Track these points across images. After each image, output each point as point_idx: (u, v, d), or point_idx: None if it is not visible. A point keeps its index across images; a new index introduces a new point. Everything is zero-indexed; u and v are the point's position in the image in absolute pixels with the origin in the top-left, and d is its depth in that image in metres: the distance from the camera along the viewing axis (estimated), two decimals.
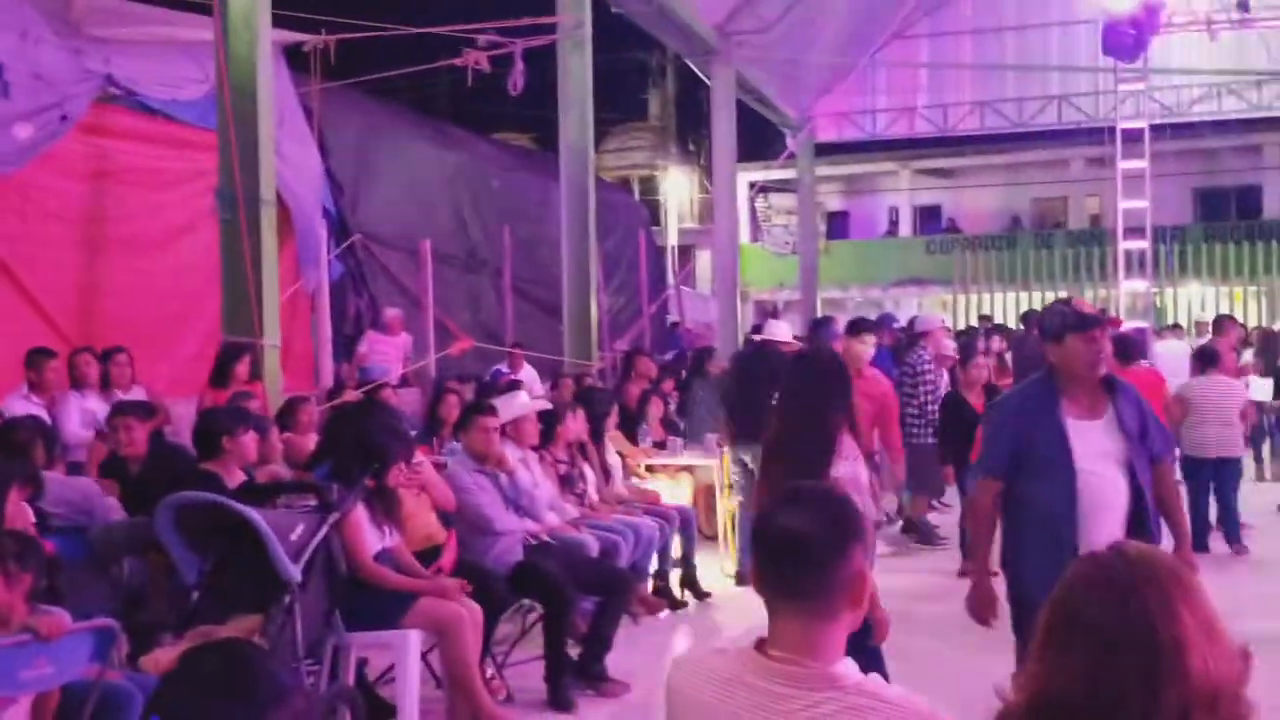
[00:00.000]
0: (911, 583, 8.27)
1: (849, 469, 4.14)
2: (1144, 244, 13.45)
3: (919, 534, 9.83)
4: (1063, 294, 27.25)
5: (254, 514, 4.41)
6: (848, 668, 2.03)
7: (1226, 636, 1.75)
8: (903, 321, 12.28)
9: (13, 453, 5.02)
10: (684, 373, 11.72)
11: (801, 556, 2.03)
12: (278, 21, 9.28)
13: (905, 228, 31.42)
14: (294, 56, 11.46)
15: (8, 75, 8.52)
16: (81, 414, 7.57)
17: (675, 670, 2.26)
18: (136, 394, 7.83)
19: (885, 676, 3.90)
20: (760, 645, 2.09)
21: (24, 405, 7.14)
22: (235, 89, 8.30)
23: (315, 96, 11.48)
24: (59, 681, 3.63)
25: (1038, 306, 26.04)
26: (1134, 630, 1.70)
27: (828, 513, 2.07)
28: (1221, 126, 24.85)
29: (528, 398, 7.41)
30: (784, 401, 4.46)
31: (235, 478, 5.38)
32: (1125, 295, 13.99)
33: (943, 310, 25.63)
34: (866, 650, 3.90)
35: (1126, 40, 11.56)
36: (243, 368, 7.91)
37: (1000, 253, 28.30)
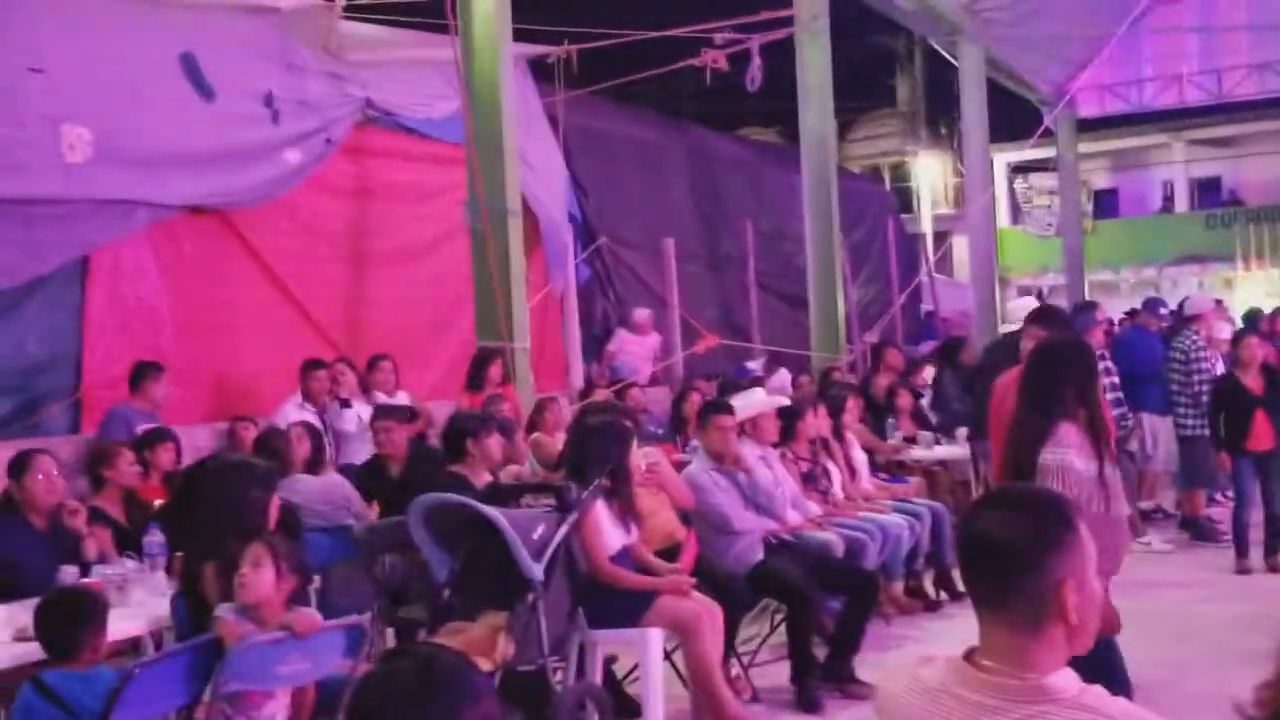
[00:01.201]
0: (1187, 581, 7.79)
1: (1057, 457, 3.99)
2: None
3: (1196, 530, 9.22)
4: None
5: (497, 514, 4.55)
6: (1066, 680, 1.90)
7: None
8: (1173, 304, 11.57)
9: (273, 458, 5.35)
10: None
11: (994, 563, 1.93)
12: (520, 36, 9.60)
13: (1181, 202, 29.57)
14: (538, 68, 11.82)
15: (278, 104, 9.12)
16: (350, 420, 8.00)
17: (887, 679, 2.20)
18: (401, 400, 8.23)
19: (1122, 684, 3.69)
20: (970, 654, 2.00)
21: (297, 413, 7.62)
22: (479, 105, 8.62)
23: (560, 105, 11.80)
24: (314, 676, 3.85)
25: None
26: None
27: (1027, 517, 1.94)
28: None
29: (765, 395, 7.37)
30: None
31: (482, 478, 5.58)
32: None
33: (1226, 289, 24.02)
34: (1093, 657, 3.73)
35: None
36: (495, 371, 8.19)
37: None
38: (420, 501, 4.75)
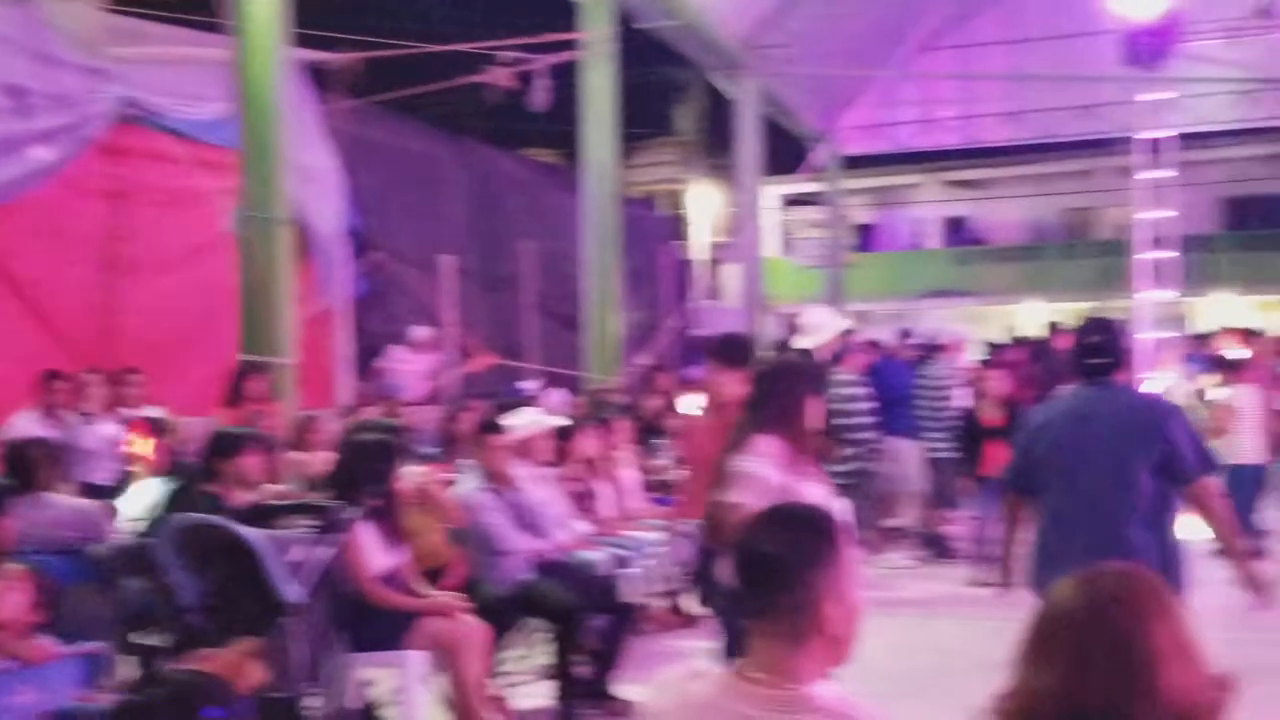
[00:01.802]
0: (928, 597, 8.22)
1: (747, 465, 4.17)
2: (1169, 254, 13.28)
3: (937, 548, 9.74)
4: (1088, 305, 27.14)
5: (249, 534, 4.39)
6: (823, 689, 1.99)
7: (1202, 661, 1.74)
8: (924, 335, 12.21)
9: (19, 474, 5.02)
10: None
11: (760, 577, 2.01)
12: (301, 41, 9.33)
13: (933, 239, 31.26)
14: (318, 75, 11.52)
15: (30, 98, 8.59)
16: (93, 435, 7.59)
17: (655, 694, 2.23)
18: (148, 414, 7.84)
19: None
20: (739, 667, 2.05)
21: (31, 427, 7.17)
22: (252, 108, 8.32)
23: (340, 115, 11.52)
24: (48, 707, 3.62)
25: (1062, 318, 25.88)
26: (1108, 645, 1.71)
27: (790, 533, 2.04)
28: (1248, 135, 24.60)
29: (538, 415, 7.38)
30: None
31: (237, 498, 5.37)
32: (1145, 306, 13.83)
33: (969, 322, 25.48)
34: None
35: (1147, 50, 11.45)
36: (257, 386, 7.90)
37: (1026, 264, 28.16)
38: (169, 521, 4.54)
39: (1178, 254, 13.37)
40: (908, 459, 10.02)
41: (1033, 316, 26.98)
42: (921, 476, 9.90)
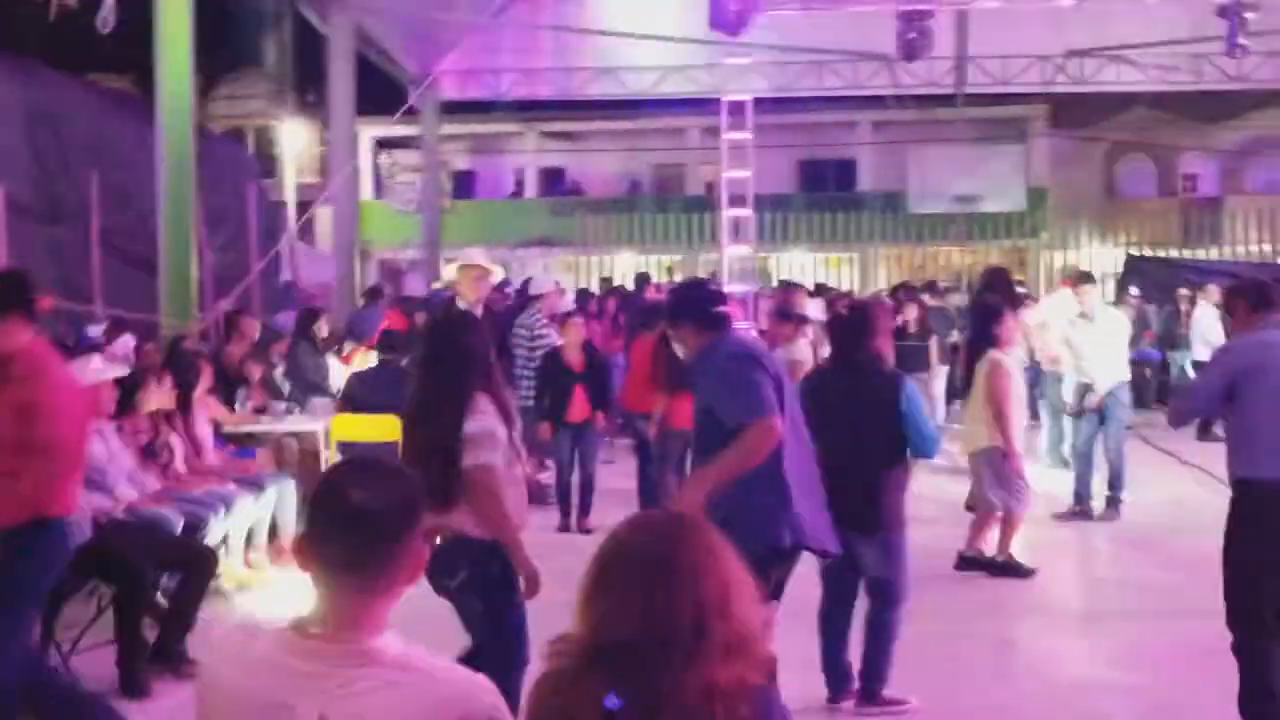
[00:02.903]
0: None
1: (480, 425, 4.11)
2: (747, 212, 14.17)
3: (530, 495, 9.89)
4: (678, 257, 28.48)
5: None
6: (389, 641, 1.96)
7: (755, 593, 1.92)
8: (519, 284, 12.35)
9: None
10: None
11: (371, 531, 1.95)
12: None
13: (531, 189, 31.72)
14: None
15: None
16: None
17: (211, 653, 2.13)
18: None
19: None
20: (299, 623, 1.98)
21: None
22: None
23: None
24: None
25: (654, 269, 27.11)
26: (685, 569, 1.85)
27: (399, 489, 2.01)
28: (822, 102, 26.66)
29: (101, 363, 6.80)
30: (421, 367, 4.44)
31: None
32: (729, 260, 14.70)
33: (566, 271, 26.13)
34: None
35: (730, 16, 12.05)
36: None
37: (620, 216, 29.20)
38: None
39: (751, 212, 14.22)
40: None
41: (629, 267, 28.11)
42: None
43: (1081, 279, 9.71)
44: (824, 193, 30.52)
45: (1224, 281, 18.35)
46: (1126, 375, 9.34)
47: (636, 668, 1.82)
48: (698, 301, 4.55)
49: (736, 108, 14.11)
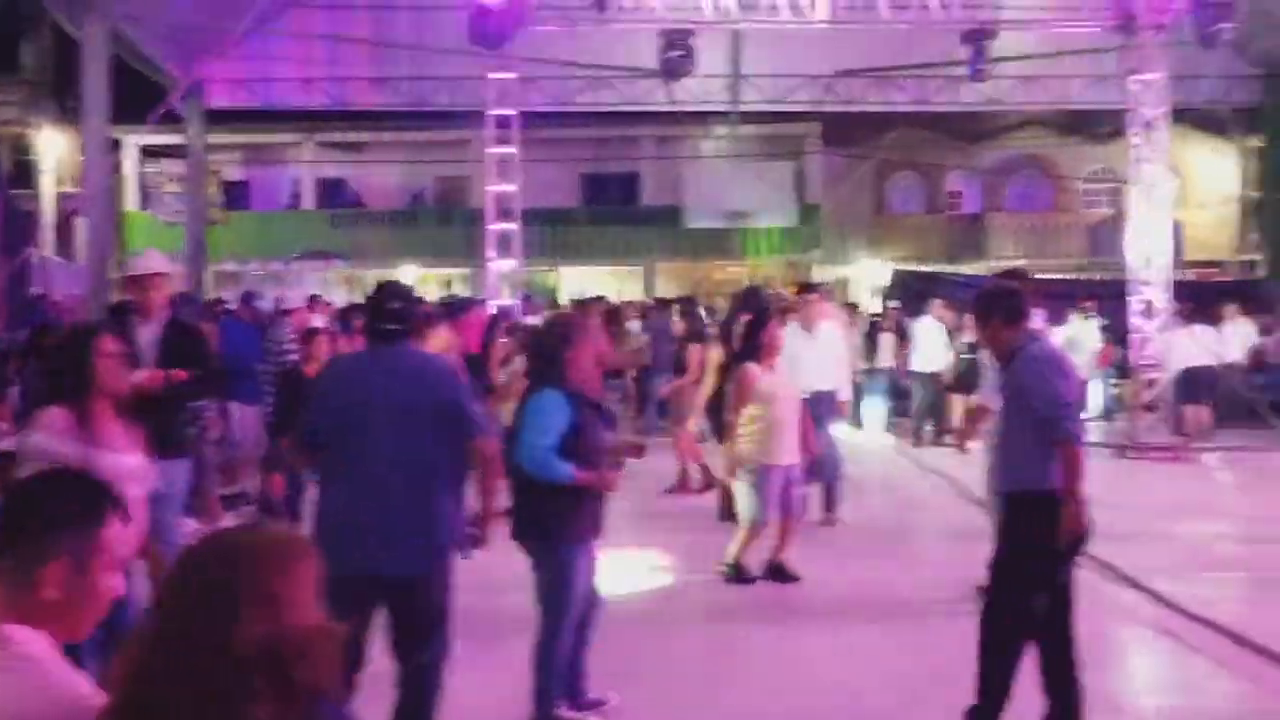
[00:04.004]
0: None
1: (36, 440, 4.10)
2: (514, 226, 14.13)
3: (272, 511, 9.63)
4: (460, 271, 28.13)
5: None
6: (21, 633, 1.99)
7: (307, 611, 1.88)
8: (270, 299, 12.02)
9: None
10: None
11: (10, 522, 2.06)
12: None
13: (309, 200, 30.99)
14: None
15: None
16: None
17: None
18: None
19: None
20: None
21: None
22: None
23: None
24: None
25: (438, 283, 26.88)
26: (214, 588, 1.82)
27: (43, 492, 2.12)
28: (606, 117, 26.91)
29: None
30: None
31: None
32: (493, 274, 14.64)
33: (344, 285, 25.62)
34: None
35: (490, 30, 12.03)
36: None
37: (401, 229, 28.81)
38: None
39: (518, 226, 14.21)
40: (248, 424, 9.82)
41: (411, 281, 27.69)
42: (262, 441, 9.75)
43: (802, 290, 10.00)
44: (608, 207, 30.80)
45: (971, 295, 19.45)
46: (839, 385, 9.32)
47: None
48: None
49: (503, 121, 14.09)
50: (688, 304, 14.29)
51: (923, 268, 27.28)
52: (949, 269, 27.58)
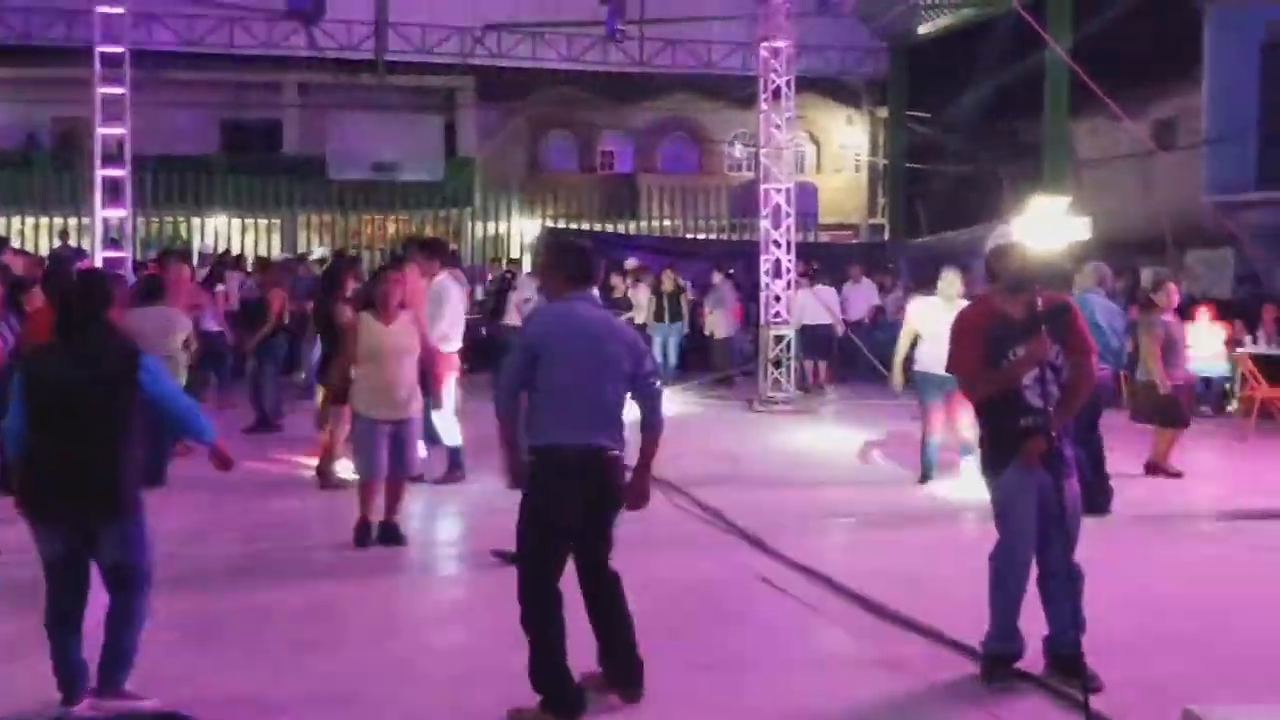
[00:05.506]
0: None
1: None
2: (123, 171, 12.93)
3: None
4: (85, 219, 26.03)
5: None
6: None
7: None
8: None
9: None
10: None
11: None
12: None
13: None
14: None
15: None
16: None
17: None
18: None
19: None
20: None
21: None
22: None
23: None
24: None
25: (46, 233, 24.68)
26: None
27: None
28: (247, 61, 25.32)
29: None
30: None
31: None
32: (101, 222, 13.40)
33: None
34: None
35: None
36: None
37: (16, 172, 26.26)
38: None
39: (127, 172, 13.05)
40: None
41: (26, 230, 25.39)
42: None
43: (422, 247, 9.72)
44: (249, 155, 29.16)
45: (633, 256, 19.79)
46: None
47: None
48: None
49: (113, 59, 12.85)
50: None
51: (575, 225, 27.49)
52: (601, 227, 27.89)
